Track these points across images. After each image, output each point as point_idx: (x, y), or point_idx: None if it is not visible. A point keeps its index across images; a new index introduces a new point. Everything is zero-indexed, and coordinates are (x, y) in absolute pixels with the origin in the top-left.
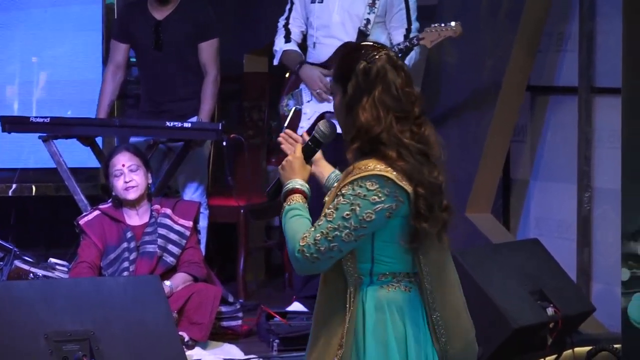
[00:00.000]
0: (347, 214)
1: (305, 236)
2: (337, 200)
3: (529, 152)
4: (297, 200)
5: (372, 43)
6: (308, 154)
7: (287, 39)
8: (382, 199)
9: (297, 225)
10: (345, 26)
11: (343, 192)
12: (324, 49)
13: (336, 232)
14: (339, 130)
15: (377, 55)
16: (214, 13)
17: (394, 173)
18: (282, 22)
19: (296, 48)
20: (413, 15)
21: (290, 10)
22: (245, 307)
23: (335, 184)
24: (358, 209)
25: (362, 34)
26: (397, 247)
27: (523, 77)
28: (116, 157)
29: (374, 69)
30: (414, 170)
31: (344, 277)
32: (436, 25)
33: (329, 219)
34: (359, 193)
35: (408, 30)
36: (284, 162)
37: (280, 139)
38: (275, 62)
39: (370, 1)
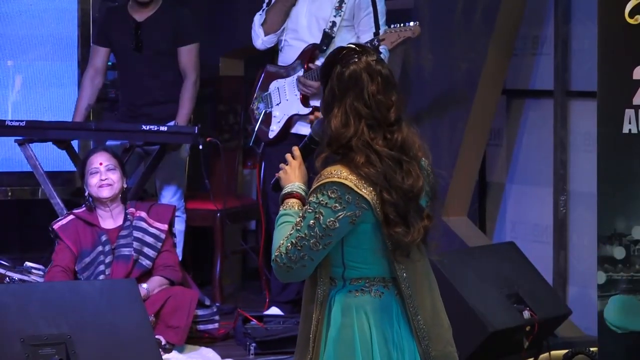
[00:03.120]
0: (312, 223)
1: (280, 245)
2: (305, 209)
3: (504, 156)
4: (291, 205)
5: (355, 46)
6: (306, 154)
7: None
8: (344, 206)
9: (281, 233)
10: (311, 29)
11: (310, 199)
12: (290, 50)
13: (304, 242)
14: None
15: (354, 59)
16: (193, 19)
17: (354, 180)
18: (258, 19)
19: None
20: (381, 19)
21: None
22: (221, 310)
23: None
24: (321, 217)
25: (327, 36)
26: (367, 253)
27: (498, 80)
28: (94, 156)
29: (347, 73)
30: (381, 176)
31: (317, 284)
32: (395, 25)
33: (297, 227)
34: (322, 201)
35: (376, 35)
36: (285, 167)
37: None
38: (259, 44)
39: (337, 4)
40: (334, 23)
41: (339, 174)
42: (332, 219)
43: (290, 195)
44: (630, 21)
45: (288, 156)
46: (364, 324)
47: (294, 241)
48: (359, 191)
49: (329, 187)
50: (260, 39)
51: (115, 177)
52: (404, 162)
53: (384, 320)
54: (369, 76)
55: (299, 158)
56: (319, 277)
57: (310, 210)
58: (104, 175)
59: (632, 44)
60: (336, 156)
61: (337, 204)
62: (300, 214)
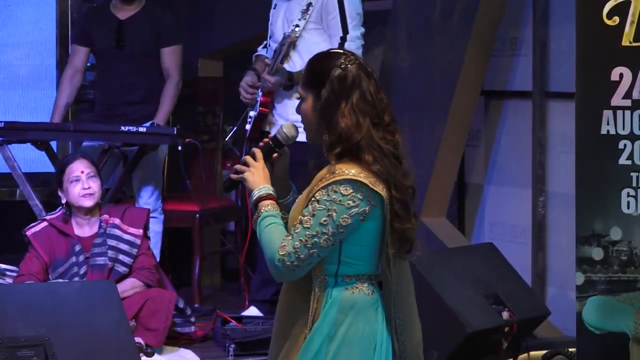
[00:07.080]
0: (325, 220)
1: (284, 245)
2: (313, 207)
3: (483, 157)
4: (270, 207)
5: (342, 51)
6: (267, 156)
7: (265, 45)
8: (357, 203)
9: (274, 233)
10: (283, 31)
11: (317, 197)
12: (271, 53)
13: (315, 239)
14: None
15: (349, 62)
16: (176, 20)
17: (369, 177)
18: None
19: (264, 52)
20: (352, 22)
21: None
22: (200, 312)
23: (306, 190)
24: (335, 214)
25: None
26: (366, 250)
27: (477, 80)
28: (74, 164)
29: (350, 75)
30: (390, 174)
31: (309, 279)
32: None
33: (306, 225)
34: (334, 198)
35: (343, 39)
36: (249, 169)
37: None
38: None
39: (304, 7)
40: (297, 25)
41: (350, 171)
42: (345, 215)
43: (267, 197)
44: (608, 22)
45: (249, 158)
46: (359, 321)
47: (303, 239)
48: (374, 188)
49: (342, 184)
50: None
51: (96, 185)
52: (401, 161)
53: (374, 318)
54: (366, 76)
55: (261, 160)
56: (313, 274)
57: (320, 208)
58: (86, 184)
59: (609, 45)
60: (343, 155)
61: (350, 201)
62: (308, 212)
